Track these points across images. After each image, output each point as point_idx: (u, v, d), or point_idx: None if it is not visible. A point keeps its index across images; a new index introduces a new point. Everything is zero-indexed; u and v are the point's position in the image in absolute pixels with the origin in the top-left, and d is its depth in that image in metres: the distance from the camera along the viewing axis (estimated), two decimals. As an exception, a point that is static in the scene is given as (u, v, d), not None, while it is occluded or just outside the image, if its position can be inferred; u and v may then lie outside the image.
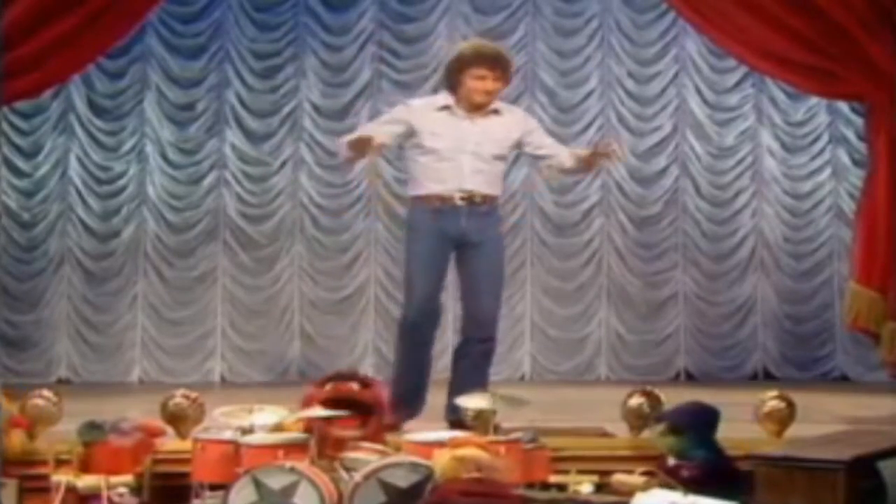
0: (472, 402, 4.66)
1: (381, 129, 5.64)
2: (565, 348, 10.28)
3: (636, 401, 5.19)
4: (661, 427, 4.69)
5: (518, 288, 10.46)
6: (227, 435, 4.70)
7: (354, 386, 4.78)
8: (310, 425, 4.56)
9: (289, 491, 4.19)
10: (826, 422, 6.01)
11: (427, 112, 5.50)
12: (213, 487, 4.56)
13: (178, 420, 5.31)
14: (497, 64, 5.43)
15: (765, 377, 10.17)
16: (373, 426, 4.71)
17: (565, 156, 5.58)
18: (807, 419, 5.52)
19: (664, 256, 10.43)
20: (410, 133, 5.50)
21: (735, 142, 10.51)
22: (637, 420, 5.14)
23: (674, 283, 10.35)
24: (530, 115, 6.20)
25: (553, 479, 4.49)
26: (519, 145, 5.57)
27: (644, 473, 4.16)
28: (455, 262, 5.50)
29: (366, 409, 4.72)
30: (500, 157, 5.48)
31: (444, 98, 5.55)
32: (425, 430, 4.68)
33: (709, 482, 4.35)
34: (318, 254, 10.53)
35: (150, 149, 10.43)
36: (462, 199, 5.36)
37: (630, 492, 4.09)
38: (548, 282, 10.28)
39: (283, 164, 10.51)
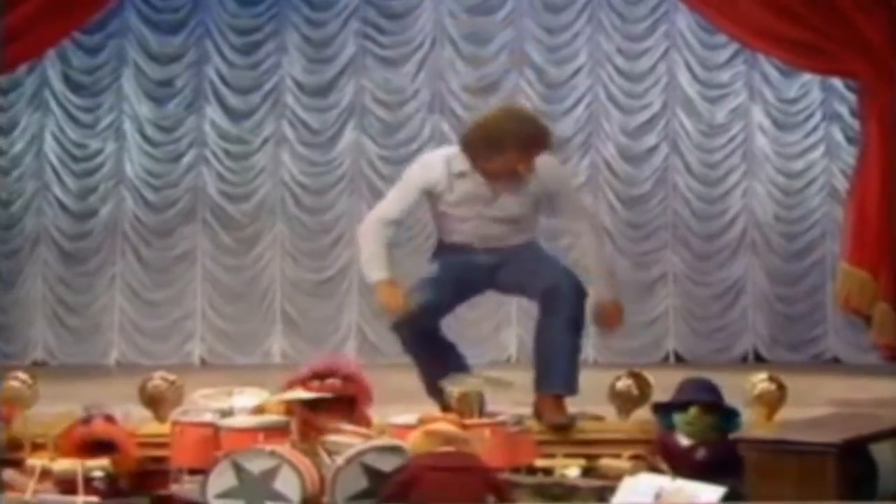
0: (456, 384, 4.66)
1: (396, 208, 5.43)
2: (552, 330, 10.28)
3: (624, 383, 5.20)
4: (693, 411, 4.63)
5: (505, 268, 10.46)
6: (207, 418, 4.70)
7: (336, 382, 4.76)
8: (291, 408, 4.55)
9: (269, 475, 4.19)
10: (817, 404, 6.03)
11: (444, 176, 5.26)
12: (192, 472, 4.56)
13: (156, 403, 5.30)
14: (531, 144, 5.07)
15: (755, 359, 10.18)
16: (358, 415, 4.71)
17: (590, 262, 5.19)
18: (798, 402, 5.53)
19: (653, 236, 10.43)
20: (429, 194, 5.32)
21: (726, 119, 10.49)
22: (625, 403, 5.15)
23: (663, 263, 10.35)
24: (567, 173, 5.65)
25: (539, 463, 4.49)
26: (549, 197, 5.21)
27: (632, 457, 4.17)
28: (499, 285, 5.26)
29: (350, 401, 4.71)
30: (530, 211, 5.20)
31: (460, 161, 5.25)
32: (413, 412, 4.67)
33: (721, 465, 4.37)
34: (301, 234, 10.50)
35: (127, 126, 10.37)
36: (489, 249, 5.21)
37: (618, 476, 4.10)
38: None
39: (265, 141, 10.46)
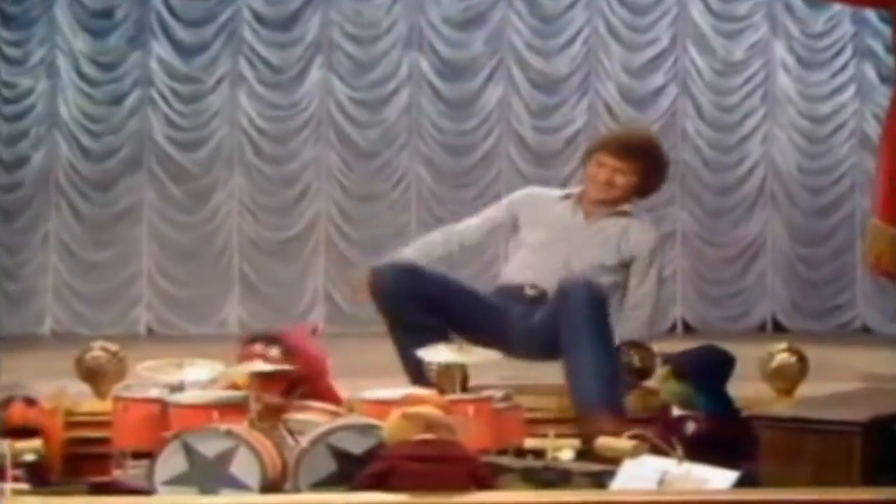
0: (436, 355, 4.67)
1: (476, 234, 5.46)
2: (546, 296, 10.33)
3: (625, 356, 5.22)
4: (664, 371, 4.73)
5: (492, 226, 10.48)
6: (153, 394, 4.70)
7: (275, 353, 4.77)
8: (247, 384, 4.57)
9: (224, 458, 4.20)
10: (842, 379, 6.08)
11: (540, 201, 5.32)
12: (137, 455, 4.57)
13: (95, 377, 5.30)
14: (625, 151, 5.17)
15: (774, 328, 10.26)
16: (323, 390, 4.73)
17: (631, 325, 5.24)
18: (820, 376, 5.57)
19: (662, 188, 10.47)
20: (511, 230, 5.35)
21: (744, 56, 10.51)
22: (627, 377, 5.18)
23: (671, 220, 10.38)
24: (662, 245, 5.67)
25: (529, 443, 4.52)
26: (627, 266, 5.25)
27: (632, 437, 4.20)
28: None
29: (294, 376, 4.72)
30: (605, 269, 5.19)
31: (575, 188, 5.40)
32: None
33: (716, 440, 4.39)
34: (261, 186, 10.49)
35: (61, 62, 10.33)
36: (532, 290, 5.19)
37: (616, 458, 4.13)
38: (526, 219, 10.29)
39: (219, 81, 10.44)
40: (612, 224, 5.25)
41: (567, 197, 5.36)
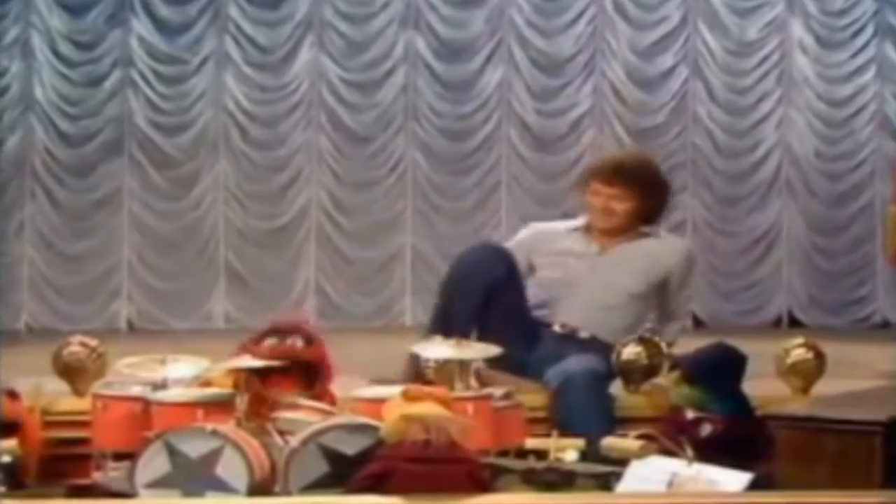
0: (433, 350, 4.68)
1: None
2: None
3: (632, 350, 5.22)
4: (674, 375, 4.73)
5: (491, 215, 10.48)
6: (134, 391, 4.70)
7: (298, 343, 4.77)
8: (238, 381, 4.57)
9: (210, 459, 4.20)
10: (861, 376, 6.09)
11: (549, 238, 5.31)
12: (117, 456, 4.58)
13: (74, 373, 5.30)
14: (618, 177, 5.19)
15: (789, 323, 10.28)
16: (319, 389, 4.73)
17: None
18: (838, 373, 5.58)
19: (669, 176, 10.47)
20: (527, 272, 5.34)
21: (759, 35, 10.52)
22: (632, 374, 5.18)
23: (681, 208, 10.39)
24: (693, 257, 5.69)
25: (531, 443, 4.53)
26: (662, 287, 5.27)
27: (640, 437, 4.20)
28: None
29: (310, 371, 4.72)
30: (634, 297, 5.21)
31: (582, 219, 5.38)
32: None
33: (732, 443, 4.40)
34: (248, 173, 10.50)
35: (37, 41, 10.33)
36: (562, 328, 5.20)
37: (623, 459, 4.14)
38: (526, 208, 10.29)
39: (204, 61, 10.45)
40: (633, 250, 5.26)
41: (575, 230, 5.37)
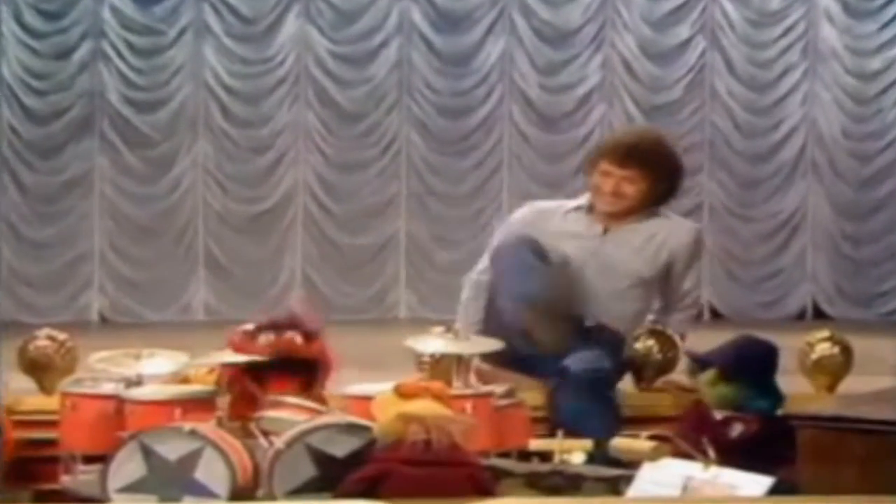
0: (428, 344, 4.68)
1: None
2: (554, 277, 10.35)
3: (644, 344, 5.22)
4: (709, 374, 4.71)
5: (491, 199, 10.49)
6: (107, 389, 4.71)
7: (296, 338, 4.76)
8: (222, 378, 4.58)
9: (188, 462, 4.21)
10: (892, 373, 6.10)
11: (549, 218, 5.28)
12: (89, 459, 4.59)
13: (41, 369, 5.30)
14: (631, 157, 5.16)
15: (814, 316, 10.28)
16: (317, 389, 4.73)
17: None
18: (867, 370, 5.59)
19: (685, 157, 10.48)
20: None
21: (782, 4, 10.52)
22: (644, 369, 5.19)
23: (697, 191, 10.41)
24: (700, 240, 5.65)
25: (534, 444, 4.54)
26: (668, 271, 5.25)
27: (652, 437, 4.21)
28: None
29: (308, 368, 4.71)
30: (642, 282, 5.19)
31: (585, 197, 5.35)
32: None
33: (763, 444, 4.41)
34: (229, 153, 10.51)
35: (1, 11, 10.31)
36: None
37: (634, 461, 4.15)
38: (529, 189, 10.29)
39: (182, 32, 10.45)
40: (638, 231, 5.25)
41: (577, 209, 5.34)
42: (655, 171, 5.28)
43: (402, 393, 4.03)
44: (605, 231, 5.28)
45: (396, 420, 3.93)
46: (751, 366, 4.73)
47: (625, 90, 10.49)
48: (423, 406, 3.96)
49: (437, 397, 4.03)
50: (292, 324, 4.77)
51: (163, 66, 10.45)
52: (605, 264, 5.22)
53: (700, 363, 4.78)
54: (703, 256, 5.57)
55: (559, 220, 5.32)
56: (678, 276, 5.30)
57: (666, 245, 5.27)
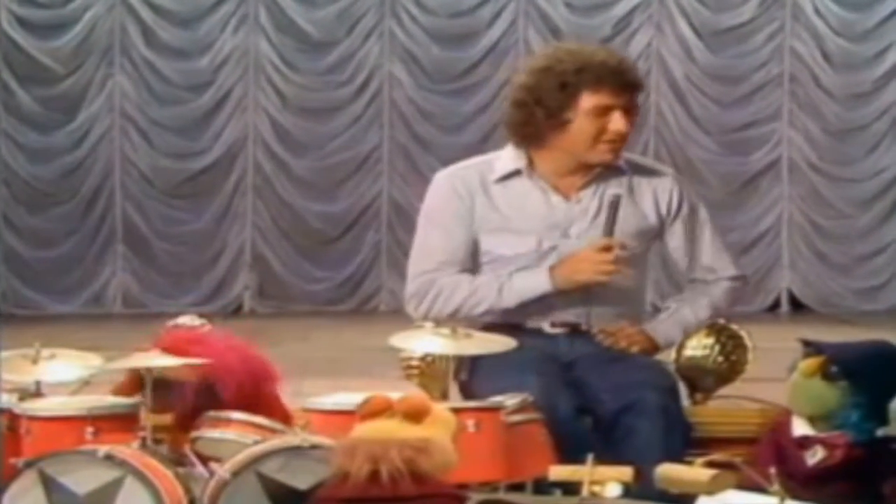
0: (417, 343, 4.73)
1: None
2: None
3: (700, 344, 5.28)
4: (811, 362, 4.74)
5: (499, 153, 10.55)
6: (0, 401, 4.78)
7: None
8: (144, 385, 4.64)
9: (103, 496, 4.26)
10: None
11: (484, 190, 5.15)
12: (-26, 490, 4.65)
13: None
14: (626, 82, 4.99)
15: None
16: (267, 398, 4.78)
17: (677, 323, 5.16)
18: None
19: (760, 94, 10.56)
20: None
21: None
22: (702, 377, 5.23)
23: (774, 143, 10.48)
24: (689, 190, 5.54)
25: (556, 472, 4.58)
26: (658, 235, 5.15)
27: (709, 464, 4.27)
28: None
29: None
30: (634, 259, 5.12)
31: (510, 159, 5.12)
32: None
33: (852, 472, 4.47)
34: (156, 92, 10.56)
35: None
36: (557, 326, 5.14)
37: (687, 494, 4.21)
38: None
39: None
40: (607, 191, 5.12)
41: (514, 175, 5.18)
42: (637, 100, 5.20)
43: (362, 411, 4.02)
44: (567, 199, 5.16)
45: (338, 448, 3.95)
46: (868, 368, 4.77)
47: (677, 8, 10.52)
48: (376, 429, 3.98)
49: (410, 416, 4.03)
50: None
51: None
52: (576, 241, 5.10)
53: (811, 348, 4.81)
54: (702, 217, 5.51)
55: (498, 194, 5.19)
56: (682, 246, 5.16)
57: (655, 198, 5.16)
